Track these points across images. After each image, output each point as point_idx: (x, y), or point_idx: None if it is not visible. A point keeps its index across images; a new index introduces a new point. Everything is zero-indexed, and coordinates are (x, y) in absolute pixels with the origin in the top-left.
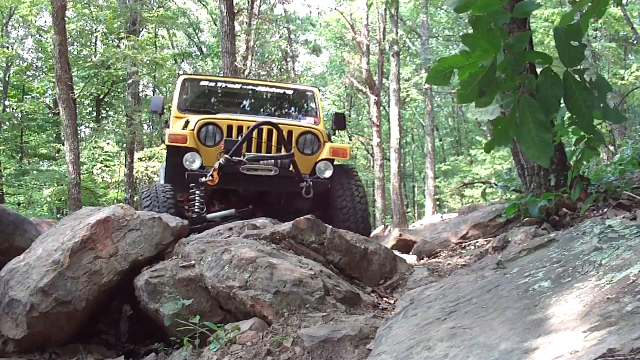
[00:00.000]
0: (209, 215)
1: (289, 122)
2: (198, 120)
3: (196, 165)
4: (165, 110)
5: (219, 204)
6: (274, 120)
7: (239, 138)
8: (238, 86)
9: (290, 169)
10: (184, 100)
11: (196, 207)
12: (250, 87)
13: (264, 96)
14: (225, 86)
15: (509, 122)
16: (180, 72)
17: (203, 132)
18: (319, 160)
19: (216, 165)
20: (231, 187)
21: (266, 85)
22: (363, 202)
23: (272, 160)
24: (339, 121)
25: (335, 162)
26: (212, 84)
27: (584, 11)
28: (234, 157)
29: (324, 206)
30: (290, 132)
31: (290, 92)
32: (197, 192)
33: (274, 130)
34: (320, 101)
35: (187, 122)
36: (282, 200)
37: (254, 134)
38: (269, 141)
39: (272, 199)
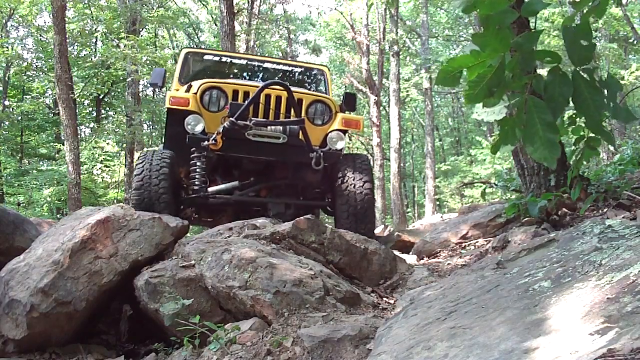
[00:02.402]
0: (210, 189)
1: (298, 89)
2: (202, 84)
3: (199, 128)
4: (165, 84)
5: (222, 180)
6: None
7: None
8: (244, 62)
9: (300, 137)
10: (186, 74)
11: (196, 179)
12: (256, 62)
13: (271, 73)
14: (230, 61)
15: (516, 123)
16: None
17: (207, 96)
18: (331, 131)
19: (220, 128)
20: (235, 154)
21: (274, 62)
22: (367, 199)
23: (280, 128)
24: (350, 102)
25: (345, 151)
26: (217, 58)
27: (584, 11)
28: (239, 121)
29: (331, 185)
30: (300, 101)
31: (298, 69)
32: (197, 163)
33: (282, 97)
34: (331, 81)
35: (189, 86)
36: (289, 173)
37: (261, 99)
38: (277, 108)
39: (278, 173)
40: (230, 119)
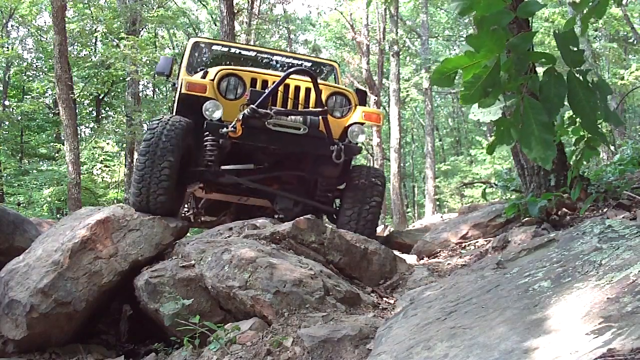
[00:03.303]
0: (223, 167)
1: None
2: (219, 70)
3: (217, 115)
4: (172, 73)
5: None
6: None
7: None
8: (253, 54)
9: (321, 129)
10: (194, 64)
11: (207, 157)
12: (266, 55)
13: (281, 67)
14: (239, 52)
15: (512, 123)
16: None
17: (224, 83)
18: (351, 124)
19: (240, 116)
20: (254, 143)
21: (283, 55)
22: (373, 211)
23: (301, 118)
24: (360, 98)
25: (360, 163)
26: (225, 49)
27: (584, 12)
28: (260, 109)
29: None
30: (320, 93)
31: (308, 64)
32: (208, 143)
33: (302, 87)
34: (341, 77)
35: (205, 73)
36: (307, 166)
37: (280, 88)
38: (296, 98)
39: (295, 166)
40: (252, 106)
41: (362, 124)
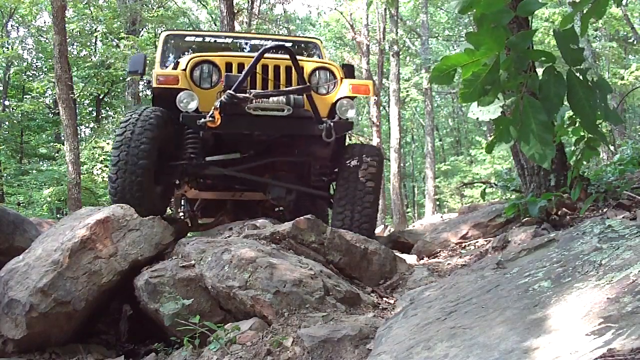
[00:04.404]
0: (209, 158)
1: (298, 57)
2: (191, 58)
3: (193, 105)
4: (147, 70)
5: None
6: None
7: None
8: (229, 40)
9: (306, 108)
10: (169, 58)
11: (189, 149)
12: (243, 40)
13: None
14: (215, 41)
15: (511, 122)
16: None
17: (197, 71)
18: (339, 99)
19: (217, 103)
20: (235, 131)
21: (261, 38)
22: (369, 199)
23: (284, 99)
24: (348, 73)
25: (356, 141)
26: (199, 39)
27: (584, 12)
28: (238, 94)
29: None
30: (300, 69)
31: (289, 44)
32: (192, 136)
33: (282, 66)
34: (325, 54)
35: (177, 63)
36: (296, 149)
37: (258, 69)
38: (277, 79)
39: (284, 150)
40: (229, 91)
41: (351, 98)
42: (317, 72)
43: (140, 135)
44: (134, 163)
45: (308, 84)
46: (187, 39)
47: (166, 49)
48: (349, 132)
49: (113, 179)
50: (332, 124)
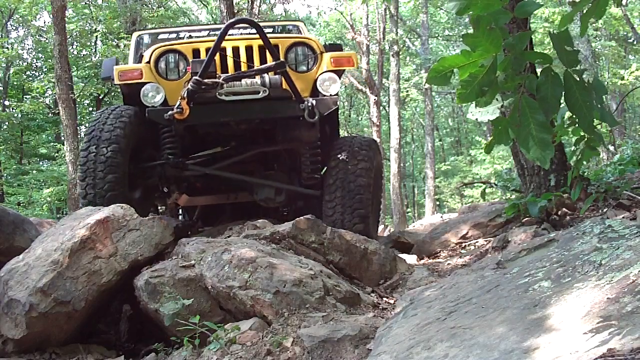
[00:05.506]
0: (191, 156)
1: (272, 35)
2: (155, 49)
3: (158, 99)
4: None
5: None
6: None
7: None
8: (205, 33)
9: (284, 87)
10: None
11: (166, 148)
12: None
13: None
14: (190, 36)
15: (509, 123)
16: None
17: (162, 62)
18: (320, 74)
19: (184, 92)
20: (208, 121)
21: (240, 28)
22: (359, 198)
23: (258, 80)
24: (333, 49)
25: (356, 135)
26: (173, 35)
27: (584, 12)
28: (206, 79)
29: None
30: (275, 47)
31: (269, 30)
32: (166, 134)
33: (254, 46)
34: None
35: (141, 57)
36: (279, 135)
37: (229, 52)
38: (250, 61)
39: (266, 139)
40: (194, 78)
41: (336, 73)
42: (294, 47)
43: (110, 133)
44: (102, 162)
45: (283, 60)
46: (161, 36)
47: (139, 50)
48: (334, 108)
49: (82, 179)
50: (314, 102)
